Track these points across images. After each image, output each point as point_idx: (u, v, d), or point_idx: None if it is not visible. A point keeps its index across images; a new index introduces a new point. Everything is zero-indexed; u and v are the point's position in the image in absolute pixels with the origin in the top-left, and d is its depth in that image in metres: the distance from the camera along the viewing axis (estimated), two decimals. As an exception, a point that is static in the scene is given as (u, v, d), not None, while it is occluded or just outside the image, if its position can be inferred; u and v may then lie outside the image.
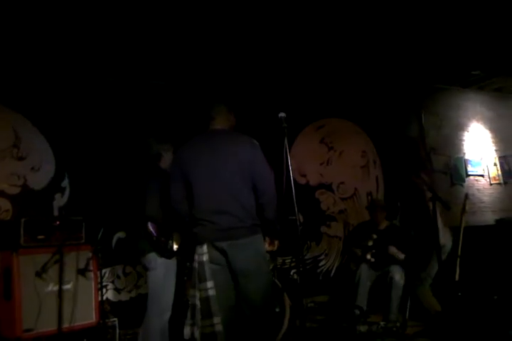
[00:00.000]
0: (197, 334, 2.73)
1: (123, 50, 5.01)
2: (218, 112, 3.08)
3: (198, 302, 2.75)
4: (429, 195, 4.11)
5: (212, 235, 2.80)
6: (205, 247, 2.79)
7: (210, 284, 2.74)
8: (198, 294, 2.76)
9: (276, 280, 4.23)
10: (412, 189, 4.26)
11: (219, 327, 2.70)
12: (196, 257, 2.82)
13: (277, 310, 3.99)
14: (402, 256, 4.67)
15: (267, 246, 3.09)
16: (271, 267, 4.10)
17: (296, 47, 5.48)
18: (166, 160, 3.59)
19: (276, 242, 3.09)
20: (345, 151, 6.76)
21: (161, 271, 3.34)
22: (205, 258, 2.78)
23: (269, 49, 5.43)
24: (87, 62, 5.02)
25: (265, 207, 2.90)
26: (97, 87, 5.12)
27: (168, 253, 3.36)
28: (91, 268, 4.00)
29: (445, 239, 4.32)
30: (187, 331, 2.79)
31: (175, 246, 3.41)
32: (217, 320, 2.71)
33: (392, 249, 4.69)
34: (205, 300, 2.73)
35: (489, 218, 7.45)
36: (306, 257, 5.97)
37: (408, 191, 4.32)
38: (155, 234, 3.31)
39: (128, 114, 5.21)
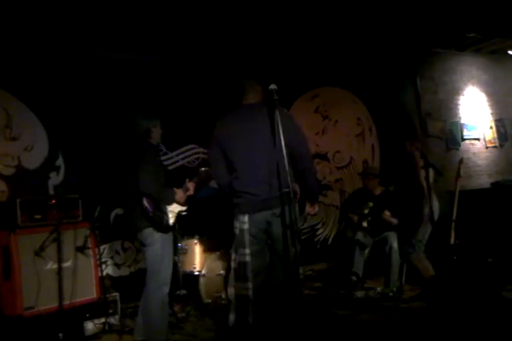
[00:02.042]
0: (232, 294, 3.01)
1: (112, 26, 4.91)
2: (249, 87, 3.20)
3: (236, 266, 3.00)
4: (421, 161, 4.12)
5: (253, 206, 2.97)
6: (246, 217, 2.97)
7: (247, 251, 2.96)
8: (237, 258, 3.00)
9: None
10: (404, 155, 4.25)
11: (251, 292, 2.93)
12: (238, 224, 3.02)
13: None
14: (395, 221, 4.72)
15: (308, 209, 3.28)
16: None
17: (289, 15, 5.36)
18: (156, 136, 3.60)
19: (316, 205, 3.29)
20: (341, 120, 6.72)
21: (159, 246, 3.37)
22: (245, 226, 2.97)
23: (261, 18, 5.32)
24: (76, 38, 4.91)
25: (305, 173, 3.10)
26: (87, 64, 5.04)
27: (164, 228, 3.39)
28: (89, 245, 4.05)
29: (435, 208, 4.35)
30: (231, 291, 3.05)
31: (171, 221, 3.44)
32: (251, 285, 2.94)
33: (386, 214, 4.73)
34: (242, 265, 2.96)
35: (485, 181, 7.47)
36: (303, 226, 6.02)
37: (400, 157, 4.31)
38: (150, 209, 3.32)
39: (118, 90, 5.15)
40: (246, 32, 5.53)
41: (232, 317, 3.01)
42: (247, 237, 2.97)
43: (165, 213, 3.41)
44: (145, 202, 3.32)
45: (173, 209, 3.48)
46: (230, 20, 5.21)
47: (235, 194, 3.07)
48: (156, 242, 3.37)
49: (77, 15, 4.63)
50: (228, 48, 5.68)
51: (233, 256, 3.06)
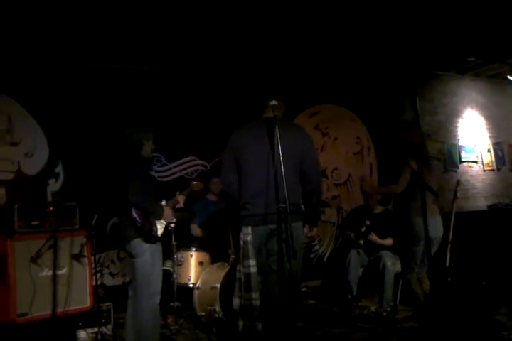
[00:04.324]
0: (237, 304, 3.06)
1: (114, 37, 4.96)
2: (272, 101, 3.18)
3: (242, 277, 3.03)
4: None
5: (256, 219, 3.01)
6: (249, 229, 3.02)
7: (252, 262, 3.00)
8: (242, 269, 3.04)
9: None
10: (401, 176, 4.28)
11: (256, 302, 2.97)
12: (242, 236, 3.07)
13: None
14: (387, 242, 4.73)
15: (307, 232, 3.30)
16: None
17: (290, 34, 5.42)
18: (147, 149, 3.61)
19: (315, 229, 3.32)
20: (340, 137, 6.78)
21: (149, 256, 3.36)
22: (249, 238, 3.02)
23: (262, 35, 5.37)
24: (78, 48, 4.98)
25: (312, 195, 3.15)
26: (89, 73, 5.09)
27: (152, 239, 3.38)
28: (85, 253, 4.04)
29: (437, 230, 4.33)
30: (236, 302, 3.10)
31: (159, 232, 3.43)
32: (255, 295, 2.98)
33: (374, 237, 4.75)
34: (247, 276, 3.01)
35: (482, 204, 7.51)
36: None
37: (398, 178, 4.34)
38: (139, 220, 3.33)
39: (120, 100, 5.21)
40: (249, 45, 5.57)
41: (240, 323, 3.05)
42: (251, 249, 3.01)
43: (153, 224, 3.41)
44: (134, 213, 3.33)
45: (162, 221, 3.48)
46: (231, 33, 5.24)
47: (240, 204, 3.11)
48: (146, 252, 3.36)
49: (78, 23, 4.66)
50: (230, 61, 5.74)
51: (238, 267, 3.11)
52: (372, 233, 4.75)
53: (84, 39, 4.89)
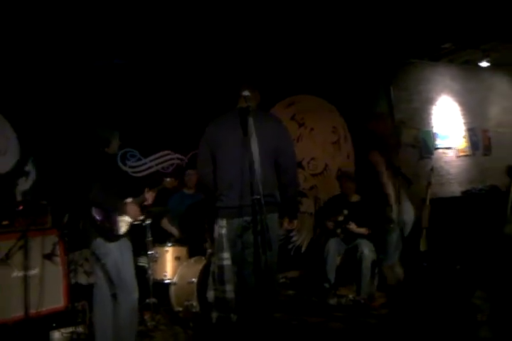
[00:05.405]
0: (212, 296, 3.03)
1: (86, 31, 4.87)
2: (245, 91, 3.13)
3: (216, 270, 3.02)
4: (385, 171, 4.18)
5: (231, 211, 2.98)
6: (224, 221, 3.00)
7: (226, 255, 2.99)
8: (216, 262, 3.03)
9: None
10: (369, 166, 4.33)
11: (231, 294, 2.95)
12: (217, 228, 3.05)
13: None
14: (364, 231, 4.77)
15: (286, 225, 3.29)
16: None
17: (267, 23, 5.38)
18: (114, 146, 3.57)
19: (295, 221, 3.29)
20: (316, 128, 6.77)
21: (117, 255, 3.32)
22: (224, 231, 3.00)
23: (239, 25, 5.32)
24: (49, 43, 4.87)
25: (287, 186, 3.12)
26: (56, 68, 4.98)
27: (114, 238, 3.32)
28: (57, 252, 3.99)
29: (408, 215, 4.40)
30: (210, 295, 3.07)
31: (122, 230, 3.37)
32: (229, 287, 2.97)
33: (352, 226, 4.77)
34: (221, 268, 2.99)
35: (456, 190, 7.59)
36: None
37: (367, 168, 4.39)
38: (99, 218, 3.29)
39: (88, 95, 5.10)
40: (225, 35, 5.50)
41: (214, 314, 3.04)
42: (225, 241, 3.00)
43: (114, 222, 3.34)
44: (93, 212, 3.29)
45: (126, 219, 3.41)
46: (207, 22, 5.17)
47: (216, 196, 3.08)
48: (112, 251, 3.31)
49: (47, 15, 4.55)
50: (206, 51, 5.65)
51: (213, 260, 3.10)
52: (350, 222, 4.77)
53: (53, 32, 4.77)
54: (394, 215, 4.29)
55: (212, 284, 3.07)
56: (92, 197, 3.25)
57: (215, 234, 3.08)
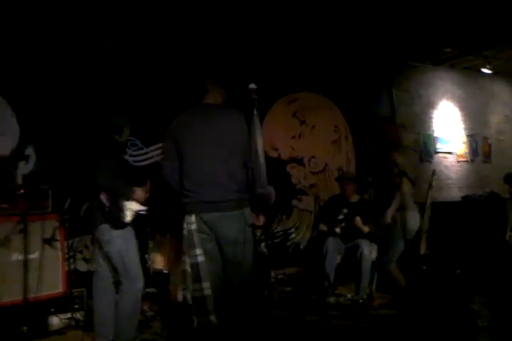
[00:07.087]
0: (189, 297, 2.88)
1: (82, 15, 4.80)
2: (212, 87, 3.11)
3: (188, 268, 2.87)
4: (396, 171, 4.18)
5: (201, 206, 2.88)
6: (193, 217, 2.88)
7: (199, 251, 2.86)
8: (188, 260, 2.88)
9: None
10: (384, 167, 4.31)
11: (208, 292, 2.83)
12: (185, 225, 2.91)
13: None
14: (366, 228, 4.74)
15: (255, 221, 3.12)
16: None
17: (270, 19, 5.36)
18: (124, 135, 3.59)
19: (261, 217, 3.12)
20: (318, 126, 6.75)
21: (121, 243, 3.29)
22: (193, 227, 2.87)
23: (243, 19, 5.29)
24: (52, 27, 4.78)
25: (254, 182, 2.95)
26: (61, 52, 4.90)
27: (120, 225, 3.29)
28: (57, 237, 3.93)
29: (411, 224, 4.39)
30: (180, 295, 2.95)
31: (128, 218, 3.33)
32: (206, 284, 2.84)
33: (358, 220, 4.74)
34: (195, 266, 2.86)
35: (455, 194, 7.64)
36: (276, 230, 6.00)
37: (380, 168, 4.36)
38: (107, 204, 3.25)
39: (93, 82, 5.02)
40: (229, 31, 5.49)
41: (195, 319, 2.91)
42: (196, 237, 2.88)
43: (122, 210, 3.30)
44: (102, 197, 3.25)
45: (132, 207, 3.38)
46: (211, 18, 5.17)
47: (183, 193, 2.97)
48: (117, 239, 3.28)
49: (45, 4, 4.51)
50: (211, 47, 5.61)
51: (183, 258, 2.93)
52: (357, 217, 4.73)
53: (53, 16, 4.70)
54: (388, 220, 4.28)
55: (184, 284, 2.93)
56: (100, 180, 3.21)
57: (184, 232, 2.92)
